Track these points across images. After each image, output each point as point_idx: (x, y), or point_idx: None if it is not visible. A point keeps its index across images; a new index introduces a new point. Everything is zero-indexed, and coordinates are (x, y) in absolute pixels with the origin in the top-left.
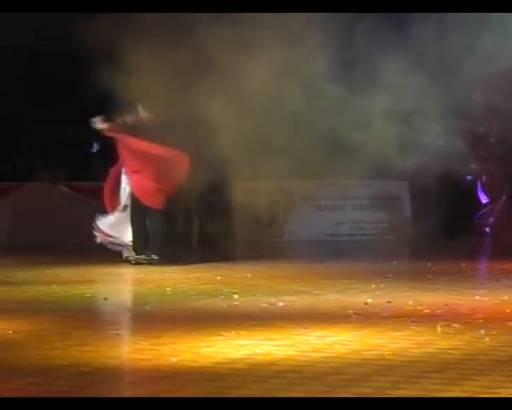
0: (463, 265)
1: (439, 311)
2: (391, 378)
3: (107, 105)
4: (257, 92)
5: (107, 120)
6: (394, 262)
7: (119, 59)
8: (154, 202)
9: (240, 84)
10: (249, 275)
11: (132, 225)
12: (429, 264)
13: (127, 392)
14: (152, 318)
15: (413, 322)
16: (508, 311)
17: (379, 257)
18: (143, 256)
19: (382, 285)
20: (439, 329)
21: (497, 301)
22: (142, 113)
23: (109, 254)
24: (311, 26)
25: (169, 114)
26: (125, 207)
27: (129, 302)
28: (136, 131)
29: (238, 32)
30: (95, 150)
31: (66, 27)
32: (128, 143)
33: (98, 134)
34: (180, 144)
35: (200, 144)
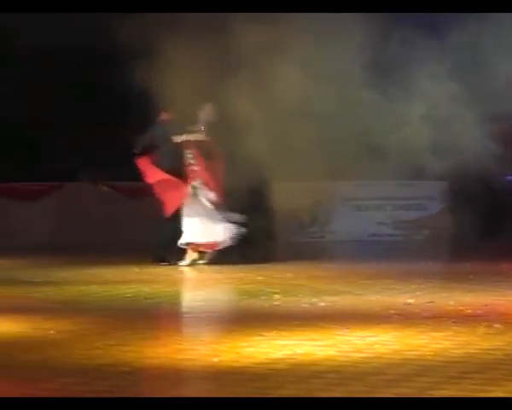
0: (504, 265)
1: (479, 311)
2: (432, 379)
3: (146, 105)
4: (296, 93)
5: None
6: (434, 263)
7: (155, 58)
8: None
9: (278, 86)
10: (290, 275)
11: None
12: (469, 264)
13: (167, 392)
14: (193, 318)
15: (454, 322)
16: None
17: (419, 257)
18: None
19: (423, 285)
20: (480, 329)
21: None
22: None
23: (149, 255)
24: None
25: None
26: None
27: (169, 302)
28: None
29: (276, 33)
30: (137, 151)
31: (105, 27)
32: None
33: (140, 135)
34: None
35: (220, 143)
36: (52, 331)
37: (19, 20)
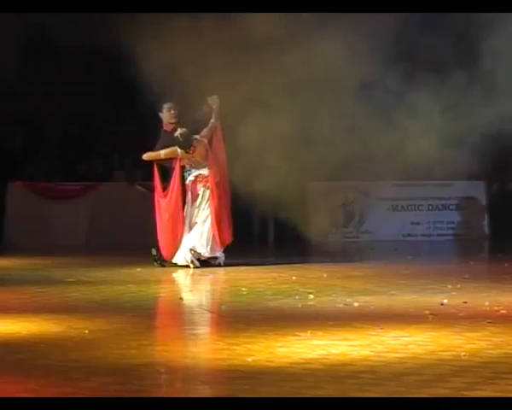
0: None
1: None
2: (467, 379)
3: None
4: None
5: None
6: (471, 263)
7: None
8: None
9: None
10: (325, 275)
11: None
12: (506, 264)
13: (202, 392)
14: (227, 318)
15: (490, 323)
16: None
17: (455, 257)
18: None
19: (459, 286)
20: None
21: None
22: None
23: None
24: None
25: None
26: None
27: (204, 302)
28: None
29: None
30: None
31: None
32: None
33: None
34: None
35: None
36: (87, 331)
37: (64, 20)
